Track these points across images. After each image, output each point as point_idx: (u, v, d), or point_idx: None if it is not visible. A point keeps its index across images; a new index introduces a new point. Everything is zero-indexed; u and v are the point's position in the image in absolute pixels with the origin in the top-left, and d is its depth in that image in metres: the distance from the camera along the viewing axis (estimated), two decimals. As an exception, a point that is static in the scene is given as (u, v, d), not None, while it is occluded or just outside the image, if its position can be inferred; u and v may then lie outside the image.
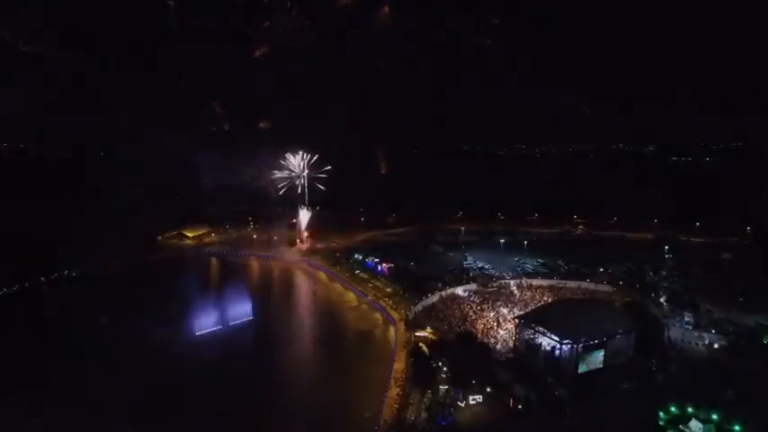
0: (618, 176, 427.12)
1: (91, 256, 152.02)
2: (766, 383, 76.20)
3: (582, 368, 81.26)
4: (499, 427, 67.84)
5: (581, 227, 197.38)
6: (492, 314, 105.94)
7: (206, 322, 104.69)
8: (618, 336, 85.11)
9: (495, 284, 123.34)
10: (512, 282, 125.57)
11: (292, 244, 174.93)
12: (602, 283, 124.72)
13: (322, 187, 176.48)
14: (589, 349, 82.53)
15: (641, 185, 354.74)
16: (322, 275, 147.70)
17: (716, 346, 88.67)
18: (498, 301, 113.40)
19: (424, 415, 69.85)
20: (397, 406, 71.64)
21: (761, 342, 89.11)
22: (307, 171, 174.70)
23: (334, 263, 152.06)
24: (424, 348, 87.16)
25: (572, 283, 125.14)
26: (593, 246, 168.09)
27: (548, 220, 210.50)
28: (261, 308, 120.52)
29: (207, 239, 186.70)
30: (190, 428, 70.49)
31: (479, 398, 72.86)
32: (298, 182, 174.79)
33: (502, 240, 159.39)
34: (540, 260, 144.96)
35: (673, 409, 68.31)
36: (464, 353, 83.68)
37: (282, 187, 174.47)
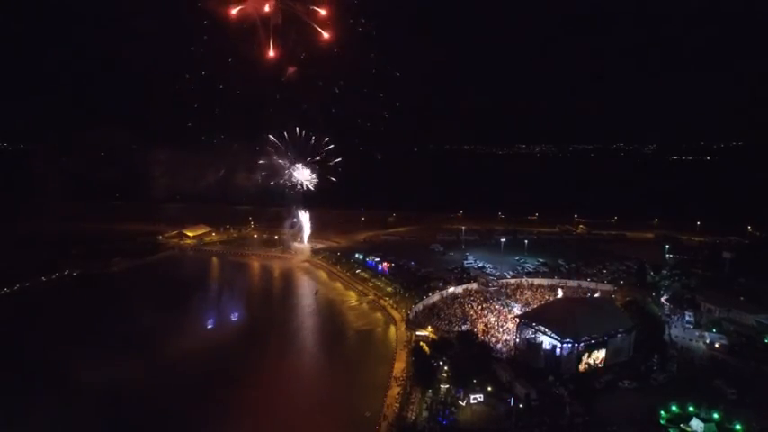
0: (617, 176, 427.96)
1: (92, 256, 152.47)
2: (767, 382, 76.34)
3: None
4: (500, 427, 67.81)
5: (581, 226, 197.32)
6: (493, 313, 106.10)
7: (207, 321, 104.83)
8: (619, 334, 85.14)
9: (495, 284, 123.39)
10: (512, 281, 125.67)
11: (289, 246, 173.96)
12: (602, 282, 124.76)
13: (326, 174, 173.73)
14: (590, 348, 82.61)
15: (641, 185, 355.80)
16: (323, 275, 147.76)
17: (716, 344, 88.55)
18: (499, 300, 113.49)
19: (424, 414, 69.85)
20: (397, 405, 71.61)
21: (761, 341, 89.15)
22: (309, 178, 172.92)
23: (335, 262, 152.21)
24: (425, 347, 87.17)
25: (572, 282, 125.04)
26: (594, 245, 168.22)
27: (548, 219, 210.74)
28: (261, 307, 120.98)
29: (207, 239, 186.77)
30: (191, 427, 70.53)
31: (480, 397, 72.80)
32: (298, 186, 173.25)
33: (502, 240, 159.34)
34: (541, 259, 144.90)
35: (674, 407, 68.37)
36: (465, 352, 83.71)
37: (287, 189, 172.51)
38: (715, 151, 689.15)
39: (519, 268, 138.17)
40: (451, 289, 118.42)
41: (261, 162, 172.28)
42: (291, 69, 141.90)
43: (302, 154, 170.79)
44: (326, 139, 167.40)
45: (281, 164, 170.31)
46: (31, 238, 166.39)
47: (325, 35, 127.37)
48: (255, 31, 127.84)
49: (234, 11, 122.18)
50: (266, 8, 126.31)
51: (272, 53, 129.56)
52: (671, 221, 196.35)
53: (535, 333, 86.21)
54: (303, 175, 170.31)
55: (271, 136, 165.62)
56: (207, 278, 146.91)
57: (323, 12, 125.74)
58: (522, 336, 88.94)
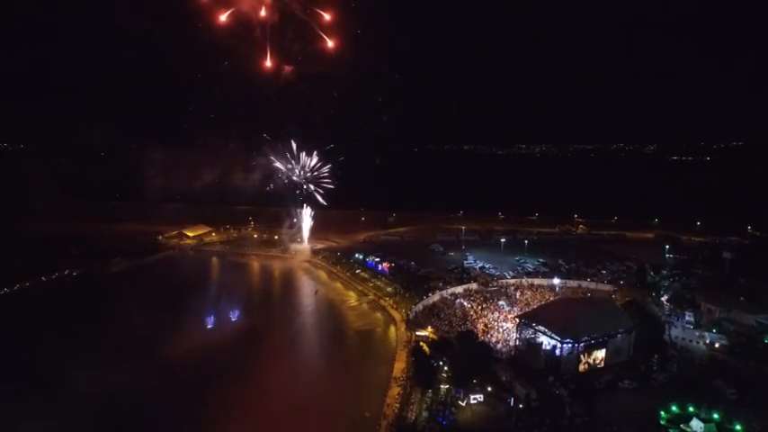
0: (618, 176, 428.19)
1: (92, 256, 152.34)
2: (767, 382, 76.32)
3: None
4: (500, 427, 67.77)
5: (581, 226, 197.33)
6: (492, 313, 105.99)
7: (206, 321, 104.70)
8: (619, 335, 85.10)
9: (495, 284, 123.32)
10: (512, 281, 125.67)
11: (289, 246, 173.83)
12: (602, 282, 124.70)
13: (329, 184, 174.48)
14: (590, 348, 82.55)
15: (641, 185, 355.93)
16: (323, 275, 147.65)
17: (716, 345, 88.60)
18: (499, 300, 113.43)
19: (424, 414, 69.82)
20: (397, 405, 71.57)
21: (761, 341, 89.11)
22: (309, 174, 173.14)
23: (335, 262, 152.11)
24: (425, 348, 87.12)
25: (573, 282, 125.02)
26: (594, 245, 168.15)
27: (548, 219, 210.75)
28: (261, 307, 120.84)
29: (207, 239, 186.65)
30: (191, 428, 70.48)
31: (480, 397, 72.81)
32: (299, 188, 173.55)
33: (502, 240, 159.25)
34: (541, 259, 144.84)
35: (674, 408, 68.35)
36: (465, 352, 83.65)
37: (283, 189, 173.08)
38: (715, 151, 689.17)
39: (519, 268, 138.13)
40: (450, 290, 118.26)
41: (256, 163, 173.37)
42: (289, 69, 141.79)
43: (301, 155, 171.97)
44: (326, 137, 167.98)
45: (278, 165, 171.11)
46: (31, 238, 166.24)
47: (330, 43, 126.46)
48: (253, 31, 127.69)
49: (223, 16, 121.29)
50: (263, 11, 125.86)
51: (268, 54, 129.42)
52: (671, 221, 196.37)
53: (535, 333, 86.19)
54: (303, 175, 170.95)
55: (267, 136, 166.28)
56: (207, 278, 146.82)
57: (327, 16, 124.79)
58: (522, 336, 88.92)
